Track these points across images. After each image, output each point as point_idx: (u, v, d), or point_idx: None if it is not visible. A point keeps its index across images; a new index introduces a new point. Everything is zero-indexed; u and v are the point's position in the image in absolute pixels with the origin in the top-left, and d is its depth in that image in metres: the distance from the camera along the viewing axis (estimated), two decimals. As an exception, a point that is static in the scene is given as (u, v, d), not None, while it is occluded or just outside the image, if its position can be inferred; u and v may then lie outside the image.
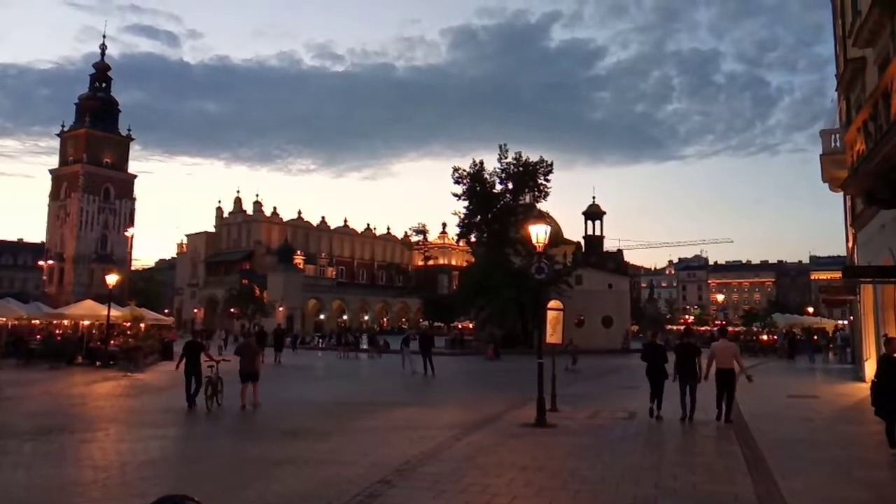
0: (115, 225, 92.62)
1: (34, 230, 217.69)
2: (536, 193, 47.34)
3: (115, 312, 31.48)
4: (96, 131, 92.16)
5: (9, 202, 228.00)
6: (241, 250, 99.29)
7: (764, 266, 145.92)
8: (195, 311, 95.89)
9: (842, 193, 21.53)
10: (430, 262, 65.18)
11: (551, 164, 47.05)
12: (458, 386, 23.17)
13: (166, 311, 78.58)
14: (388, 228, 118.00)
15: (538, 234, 13.71)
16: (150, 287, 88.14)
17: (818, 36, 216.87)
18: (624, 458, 9.25)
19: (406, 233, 74.37)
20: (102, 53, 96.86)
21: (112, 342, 28.86)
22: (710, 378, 12.93)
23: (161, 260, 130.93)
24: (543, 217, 37.12)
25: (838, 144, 18.49)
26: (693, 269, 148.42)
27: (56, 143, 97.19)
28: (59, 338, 31.25)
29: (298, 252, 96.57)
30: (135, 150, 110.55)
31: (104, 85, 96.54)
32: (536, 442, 10.70)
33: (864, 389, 14.36)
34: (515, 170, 46.50)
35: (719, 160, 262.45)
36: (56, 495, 7.41)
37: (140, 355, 27.64)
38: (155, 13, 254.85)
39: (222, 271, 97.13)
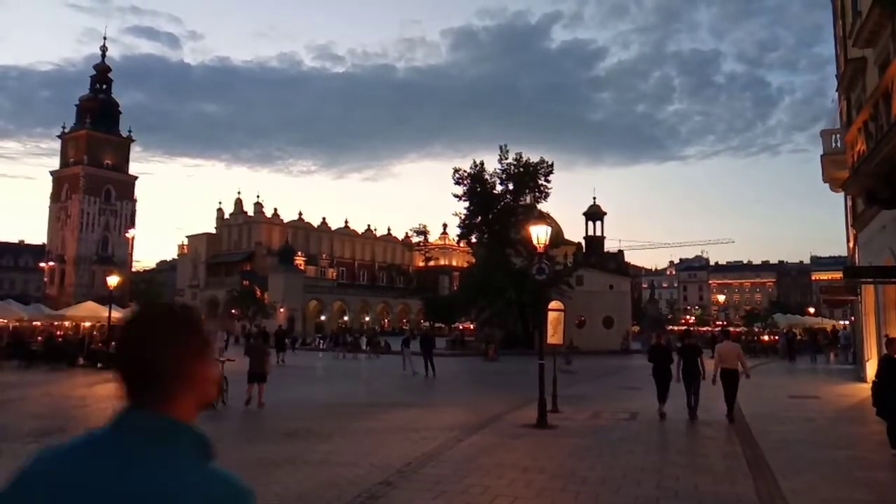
0: (115, 226, 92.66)
1: (35, 232, 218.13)
2: (537, 194, 47.33)
3: (117, 314, 31.49)
4: (97, 133, 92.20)
5: (10, 204, 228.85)
6: (242, 251, 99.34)
7: (765, 266, 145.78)
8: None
9: (843, 194, 21.53)
10: (431, 263, 65.16)
11: (552, 165, 47.06)
12: (459, 387, 23.15)
13: (167, 312, 78.49)
14: (389, 229, 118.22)
15: (539, 234, 13.72)
16: (150, 288, 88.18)
17: (819, 36, 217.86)
18: (625, 459, 9.24)
19: (407, 234, 74.54)
20: (103, 55, 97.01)
21: (113, 344, 28.84)
22: (716, 380, 13.18)
23: (162, 261, 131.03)
24: (544, 218, 37.17)
25: (839, 145, 18.50)
26: (694, 269, 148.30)
27: (57, 144, 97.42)
28: (60, 339, 31.26)
29: (299, 253, 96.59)
30: (135, 151, 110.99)
31: (105, 86, 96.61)
32: (537, 443, 10.69)
33: (865, 390, 14.34)
34: (516, 170, 46.49)
35: (720, 160, 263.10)
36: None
37: (141, 357, 27.62)
38: (155, 15, 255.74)
39: (223, 272, 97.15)
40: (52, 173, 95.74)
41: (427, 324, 61.82)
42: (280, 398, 16.82)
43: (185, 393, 1.26)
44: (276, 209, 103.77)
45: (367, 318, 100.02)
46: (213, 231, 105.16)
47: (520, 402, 14.85)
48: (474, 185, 46.70)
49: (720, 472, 8.54)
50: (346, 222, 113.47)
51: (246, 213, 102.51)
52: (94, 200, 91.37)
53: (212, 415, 14.63)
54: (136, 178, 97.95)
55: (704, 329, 71.24)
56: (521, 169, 46.44)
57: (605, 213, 59.53)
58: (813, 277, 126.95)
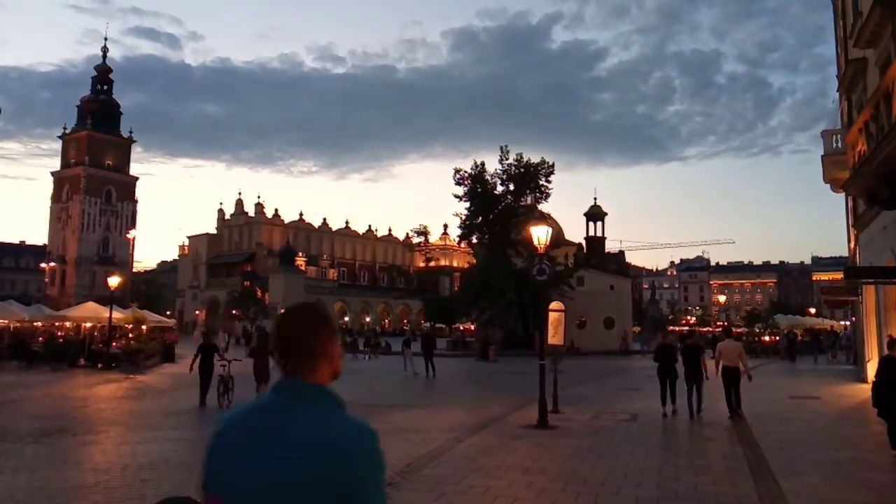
0: (116, 227, 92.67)
1: (36, 233, 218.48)
2: (538, 195, 47.28)
3: (117, 314, 31.53)
4: (98, 133, 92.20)
5: (11, 205, 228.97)
6: (243, 252, 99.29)
7: (766, 267, 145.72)
8: (197, 312, 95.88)
9: (843, 194, 21.53)
10: (432, 264, 65.10)
11: (552, 166, 47.04)
12: (460, 387, 23.14)
13: (168, 313, 78.64)
14: (390, 230, 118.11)
15: (539, 235, 13.73)
16: (151, 289, 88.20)
17: (819, 37, 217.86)
18: (626, 460, 9.23)
19: (407, 234, 74.53)
20: (104, 56, 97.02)
21: (114, 344, 28.89)
22: (718, 374, 13.64)
23: (163, 262, 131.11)
24: (545, 218, 37.11)
25: (840, 145, 18.49)
26: (695, 269, 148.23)
27: (58, 145, 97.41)
28: (60, 340, 31.25)
29: (300, 254, 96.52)
30: (136, 152, 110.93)
31: (106, 87, 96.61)
32: (538, 444, 10.68)
33: (865, 391, 14.33)
34: (517, 171, 46.46)
35: (721, 161, 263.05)
36: (58, 498, 7.41)
37: (142, 357, 27.66)
38: (156, 16, 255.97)
39: (224, 273, 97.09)
40: (52, 174, 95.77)
41: (427, 324, 61.76)
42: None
43: (326, 366, 1.79)
44: (276, 210, 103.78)
45: (368, 319, 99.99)
46: (214, 232, 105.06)
47: (520, 403, 14.84)
48: (475, 186, 46.68)
49: (721, 472, 8.54)
50: (347, 223, 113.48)
51: (247, 213, 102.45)
52: (94, 201, 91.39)
53: (218, 414, 14.70)
54: (136, 178, 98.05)
55: (705, 329, 71.16)
56: (522, 169, 46.40)
57: (605, 214, 59.48)
58: (814, 278, 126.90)
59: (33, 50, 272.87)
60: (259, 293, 77.65)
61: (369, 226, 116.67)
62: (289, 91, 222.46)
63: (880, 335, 17.76)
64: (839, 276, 40.82)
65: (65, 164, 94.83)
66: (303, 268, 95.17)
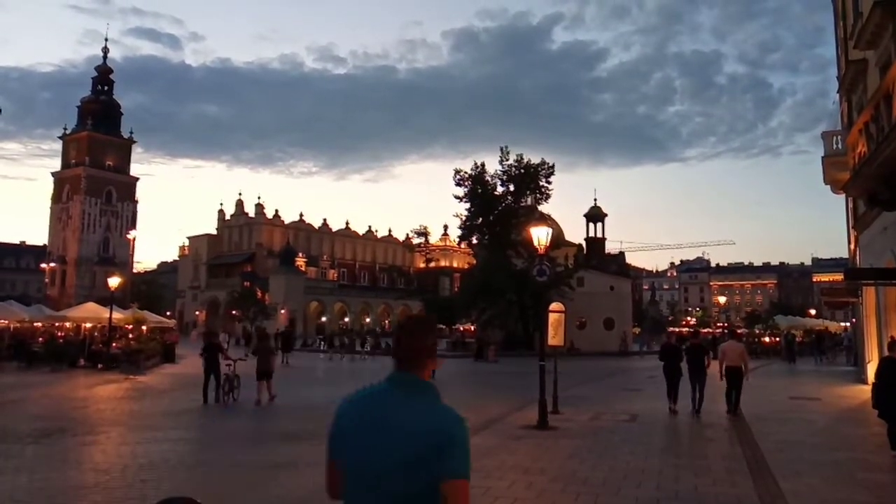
0: (116, 227, 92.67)
1: (36, 233, 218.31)
2: (538, 195, 47.27)
3: (117, 315, 31.52)
4: (98, 134, 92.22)
5: (11, 205, 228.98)
6: (243, 253, 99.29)
7: (766, 268, 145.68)
8: (197, 313, 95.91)
9: (844, 195, 21.52)
10: (432, 265, 65.11)
11: (553, 166, 47.03)
12: (460, 388, 23.10)
13: (168, 313, 78.64)
14: (390, 230, 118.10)
15: (539, 236, 13.74)
16: (151, 290, 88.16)
17: (820, 37, 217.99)
18: (626, 461, 9.23)
19: (408, 235, 74.49)
20: (104, 56, 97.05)
21: (114, 345, 28.88)
22: (722, 376, 14.07)
23: (163, 262, 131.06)
24: (545, 219, 37.04)
25: (840, 146, 18.49)
26: (695, 270, 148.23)
27: (58, 145, 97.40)
28: (61, 340, 31.25)
29: (300, 254, 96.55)
30: (136, 152, 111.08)
31: (106, 88, 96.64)
32: (538, 444, 10.68)
33: (866, 391, 14.33)
34: (517, 172, 46.46)
35: (721, 162, 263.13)
36: (58, 498, 7.42)
37: (142, 358, 27.65)
38: (157, 16, 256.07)
39: (224, 274, 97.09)
40: (53, 174, 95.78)
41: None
42: (282, 400, 16.84)
43: (428, 364, 2.25)
44: (276, 210, 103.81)
45: (368, 320, 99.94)
46: (214, 232, 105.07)
47: (520, 404, 14.84)
48: (475, 187, 46.69)
49: (720, 473, 8.54)
50: (347, 223, 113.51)
51: (247, 214, 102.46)
52: (95, 202, 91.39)
53: (215, 416, 14.73)
54: (137, 179, 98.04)
55: (705, 331, 71.17)
56: (522, 170, 46.40)
57: (605, 215, 59.44)
58: (814, 279, 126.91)
59: (34, 50, 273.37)
60: (259, 294, 77.65)
61: (369, 226, 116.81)
62: (289, 92, 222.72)
63: (880, 336, 17.76)
64: (839, 277, 40.78)
65: (65, 164, 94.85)
66: (303, 268, 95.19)
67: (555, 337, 15.19)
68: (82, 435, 11.67)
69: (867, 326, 20.96)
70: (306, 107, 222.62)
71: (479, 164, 47.04)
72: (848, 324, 47.16)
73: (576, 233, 69.14)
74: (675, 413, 14.09)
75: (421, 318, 2.37)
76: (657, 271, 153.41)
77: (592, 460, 9.35)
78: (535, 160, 47.14)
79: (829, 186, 20.61)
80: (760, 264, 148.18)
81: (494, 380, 25.73)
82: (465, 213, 47.48)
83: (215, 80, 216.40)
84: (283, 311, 75.67)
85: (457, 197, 47.36)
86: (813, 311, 71.45)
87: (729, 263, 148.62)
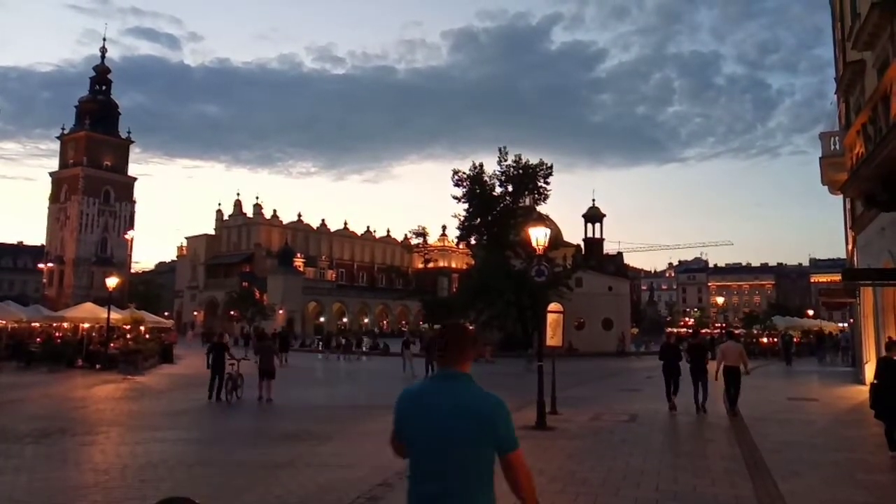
0: (115, 228, 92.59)
1: (34, 233, 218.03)
2: (536, 196, 47.28)
3: (115, 315, 31.44)
4: (96, 134, 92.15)
5: (9, 205, 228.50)
6: (241, 253, 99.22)
7: (764, 269, 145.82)
8: (195, 313, 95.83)
9: (842, 196, 21.55)
10: (430, 265, 65.05)
11: (551, 167, 47.03)
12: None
13: (166, 313, 78.52)
14: (388, 231, 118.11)
15: (538, 236, 13.76)
16: (149, 290, 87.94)
17: (819, 38, 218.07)
18: (624, 461, 9.25)
19: (406, 235, 74.44)
20: (103, 56, 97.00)
21: (112, 345, 28.83)
22: (718, 376, 14.36)
23: (161, 262, 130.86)
24: (543, 220, 36.98)
25: (838, 147, 18.51)
26: (693, 271, 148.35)
27: (56, 145, 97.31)
28: (58, 341, 31.21)
29: (298, 255, 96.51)
30: (135, 152, 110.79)
31: (104, 88, 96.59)
32: (536, 445, 10.68)
33: (864, 392, 14.36)
34: (515, 172, 46.44)
35: (720, 162, 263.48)
36: (57, 498, 7.41)
37: (140, 358, 27.62)
38: (156, 16, 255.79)
39: (222, 274, 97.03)
40: (51, 174, 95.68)
41: (426, 326, 61.72)
42: (281, 400, 16.86)
43: (469, 360, 2.80)
44: (275, 211, 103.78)
45: (367, 320, 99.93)
46: (213, 232, 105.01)
47: (518, 404, 14.81)
48: (473, 187, 46.67)
49: (719, 474, 8.55)
50: (346, 224, 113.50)
51: (245, 214, 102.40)
52: (93, 202, 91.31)
53: (219, 412, 14.72)
54: (135, 179, 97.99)
55: (703, 331, 71.16)
56: (521, 171, 46.38)
57: (604, 215, 59.53)
58: (812, 280, 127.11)
59: (33, 50, 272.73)
60: (257, 294, 77.54)
61: (368, 227, 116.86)
62: (288, 92, 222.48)
63: (878, 337, 17.79)
64: (837, 277, 40.85)
65: (63, 164, 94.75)
66: (301, 269, 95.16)
67: (553, 337, 15.21)
68: (81, 435, 11.67)
69: (865, 327, 20.99)
70: (305, 107, 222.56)
71: (477, 164, 47.05)
72: (845, 324, 47.24)
73: (574, 233, 69.33)
74: (674, 409, 14.43)
75: (461, 326, 2.98)
76: (655, 272, 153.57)
77: (591, 461, 9.36)
78: (534, 160, 47.17)
79: (826, 187, 20.64)
80: (758, 265, 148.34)
81: (492, 380, 25.66)
82: (464, 213, 47.46)
83: (214, 80, 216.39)
84: (280, 312, 75.59)
85: (455, 197, 47.36)
86: (811, 312, 71.53)
87: (727, 264, 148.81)
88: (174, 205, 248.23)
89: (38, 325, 34.71)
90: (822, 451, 10.31)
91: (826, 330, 46.37)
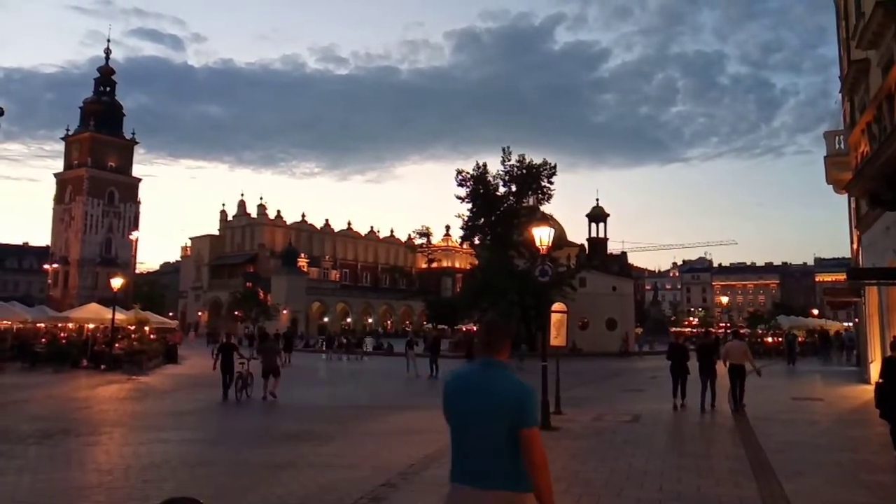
0: (119, 228, 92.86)
1: (39, 234, 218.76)
2: (540, 196, 47.21)
3: (120, 316, 31.51)
4: (100, 135, 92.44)
5: (14, 206, 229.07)
6: (245, 253, 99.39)
7: (768, 268, 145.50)
8: (199, 314, 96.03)
9: (846, 195, 21.50)
10: (434, 265, 65.12)
11: (555, 167, 46.98)
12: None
13: (171, 314, 78.73)
14: (392, 231, 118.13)
15: (541, 236, 13.74)
16: (154, 290, 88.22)
17: (823, 37, 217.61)
18: (628, 462, 9.22)
19: (410, 235, 74.47)
20: (107, 57, 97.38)
21: (116, 345, 28.91)
22: (724, 373, 14.67)
23: (165, 263, 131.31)
24: (547, 219, 36.84)
25: (842, 146, 18.45)
26: (697, 271, 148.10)
27: (61, 147, 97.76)
28: (63, 341, 31.28)
29: (302, 255, 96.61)
30: (139, 153, 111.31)
31: (108, 89, 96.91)
32: (540, 445, 10.66)
33: (868, 392, 14.33)
34: (519, 172, 46.39)
35: (723, 162, 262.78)
36: (60, 498, 7.43)
37: (144, 359, 27.69)
38: (159, 17, 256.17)
39: (226, 274, 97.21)
40: (55, 175, 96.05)
41: (430, 326, 61.77)
42: (283, 400, 16.89)
43: (506, 351, 3.21)
44: (279, 211, 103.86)
45: (371, 320, 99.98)
46: (217, 233, 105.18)
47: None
48: (477, 187, 46.64)
49: (723, 474, 8.53)
50: (349, 224, 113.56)
51: (249, 214, 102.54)
52: (97, 202, 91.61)
53: (223, 412, 14.74)
54: (139, 180, 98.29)
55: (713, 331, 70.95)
56: (524, 171, 46.33)
57: (608, 215, 59.43)
58: (816, 279, 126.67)
59: (37, 51, 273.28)
60: (261, 294, 77.73)
61: (371, 227, 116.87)
62: (291, 92, 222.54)
63: (883, 336, 17.72)
64: (842, 277, 40.77)
65: (67, 165, 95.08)
66: (305, 269, 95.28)
67: (557, 337, 15.17)
68: (85, 435, 11.70)
69: (870, 326, 20.92)
70: (308, 107, 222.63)
71: (480, 164, 47.04)
72: (850, 324, 47.03)
73: (578, 233, 69.10)
74: (683, 408, 14.66)
75: (501, 322, 3.36)
76: (659, 271, 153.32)
77: (594, 461, 9.34)
78: (537, 160, 47.12)
79: (831, 186, 20.58)
80: (763, 264, 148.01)
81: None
82: (467, 213, 47.45)
83: (217, 81, 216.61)
84: (284, 312, 75.68)
85: (459, 197, 47.35)
86: (815, 311, 71.33)
87: (731, 263, 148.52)
88: (178, 205, 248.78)
89: (42, 325, 34.84)
90: (827, 452, 10.27)
91: (832, 330, 46.23)
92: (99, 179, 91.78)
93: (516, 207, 46.81)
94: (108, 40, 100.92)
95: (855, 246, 23.23)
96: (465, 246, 60.37)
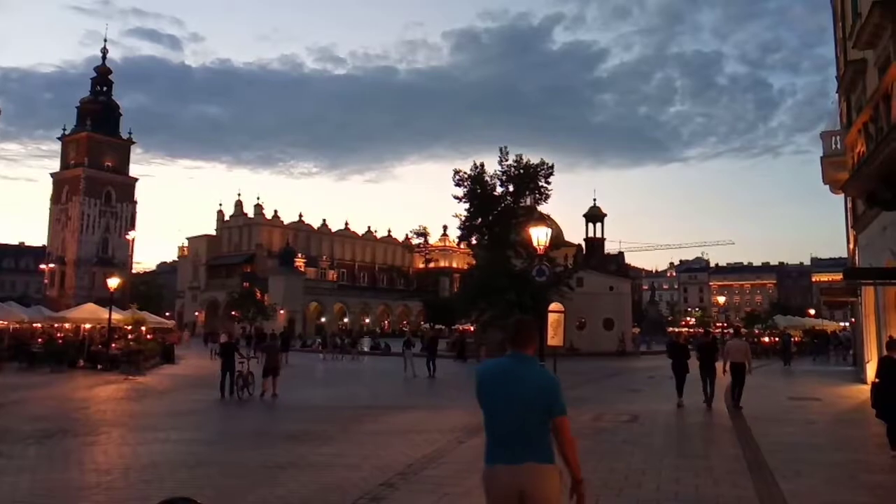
0: (116, 228, 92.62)
1: (36, 234, 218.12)
2: (537, 196, 47.17)
3: (117, 316, 31.49)
4: (98, 135, 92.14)
5: (11, 206, 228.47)
6: (243, 253, 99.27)
7: (765, 268, 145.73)
8: (196, 314, 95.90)
9: (843, 195, 21.55)
10: (431, 265, 65.19)
11: (552, 167, 46.94)
12: (460, 388, 23.11)
13: (167, 314, 78.60)
14: (390, 231, 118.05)
15: (539, 236, 13.82)
16: (151, 290, 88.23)
17: (821, 38, 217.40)
18: (626, 462, 9.24)
19: (407, 235, 74.49)
20: (104, 57, 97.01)
21: (113, 345, 28.87)
22: (726, 371, 14.88)
23: (162, 263, 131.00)
24: (544, 219, 37.00)
25: (839, 146, 18.51)
26: (694, 271, 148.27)
27: (57, 146, 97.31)
28: (60, 341, 31.25)
29: (299, 255, 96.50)
30: (136, 153, 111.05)
31: (106, 88, 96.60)
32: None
33: (865, 391, 14.35)
34: (516, 172, 46.35)
35: (721, 162, 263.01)
36: (59, 499, 7.44)
37: (141, 359, 27.66)
38: (157, 17, 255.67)
39: (223, 274, 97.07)
40: (52, 175, 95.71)
41: (428, 326, 61.78)
42: (282, 400, 16.89)
43: (534, 346, 3.64)
44: (276, 211, 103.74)
45: (368, 320, 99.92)
46: (214, 233, 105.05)
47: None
48: (474, 187, 46.60)
49: (721, 473, 8.55)
50: (347, 224, 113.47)
51: (246, 214, 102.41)
52: (94, 202, 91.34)
53: (222, 412, 14.75)
54: (136, 180, 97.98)
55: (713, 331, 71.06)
56: (522, 170, 46.30)
57: (605, 215, 59.47)
58: (813, 279, 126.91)
59: (34, 51, 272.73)
60: (258, 294, 77.58)
61: (369, 227, 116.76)
62: (289, 92, 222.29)
63: (880, 336, 17.78)
64: (839, 277, 40.80)
65: (64, 165, 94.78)
66: (302, 269, 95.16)
67: (554, 337, 15.26)
68: (83, 435, 11.69)
69: (866, 326, 20.99)
70: (307, 107, 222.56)
71: (478, 164, 47.02)
72: (846, 324, 47.19)
73: (575, 233, 69.13)
74: (682, 406, 14.80)
75: (530, 320, 3.74)
76: (657, 271, 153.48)
77: (593, 461, 9.34)
78: (536, 160, 47.05)
79: (828, 186, 20.65)
80: (760, 264, 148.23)
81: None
82: (465, 213, 47.40)
83: (215, 81, 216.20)
84: (282, 312, 75.60)
85: (456, 197, 47.29)
86: (812, 311, 71.49)
87: (728, 263, 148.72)
88: (175, 205, 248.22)
89: (39, 325, 34.78)
90: (824, 451, 10.30)
91: (829, 329, 46.34)
92: (96, 179, 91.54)
93: (514, 207, 46.78)
94: (105, 40, 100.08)
95: (852, 246, 23.29)
96: (462, 246, 60.38)
